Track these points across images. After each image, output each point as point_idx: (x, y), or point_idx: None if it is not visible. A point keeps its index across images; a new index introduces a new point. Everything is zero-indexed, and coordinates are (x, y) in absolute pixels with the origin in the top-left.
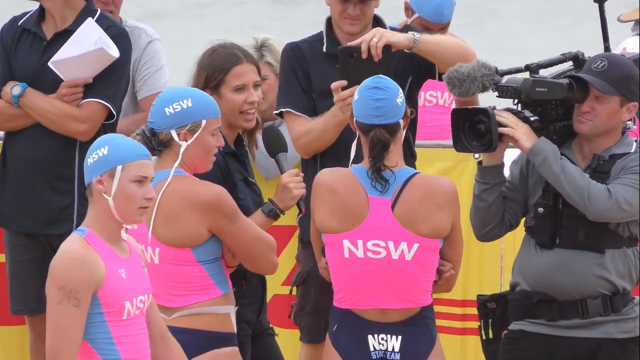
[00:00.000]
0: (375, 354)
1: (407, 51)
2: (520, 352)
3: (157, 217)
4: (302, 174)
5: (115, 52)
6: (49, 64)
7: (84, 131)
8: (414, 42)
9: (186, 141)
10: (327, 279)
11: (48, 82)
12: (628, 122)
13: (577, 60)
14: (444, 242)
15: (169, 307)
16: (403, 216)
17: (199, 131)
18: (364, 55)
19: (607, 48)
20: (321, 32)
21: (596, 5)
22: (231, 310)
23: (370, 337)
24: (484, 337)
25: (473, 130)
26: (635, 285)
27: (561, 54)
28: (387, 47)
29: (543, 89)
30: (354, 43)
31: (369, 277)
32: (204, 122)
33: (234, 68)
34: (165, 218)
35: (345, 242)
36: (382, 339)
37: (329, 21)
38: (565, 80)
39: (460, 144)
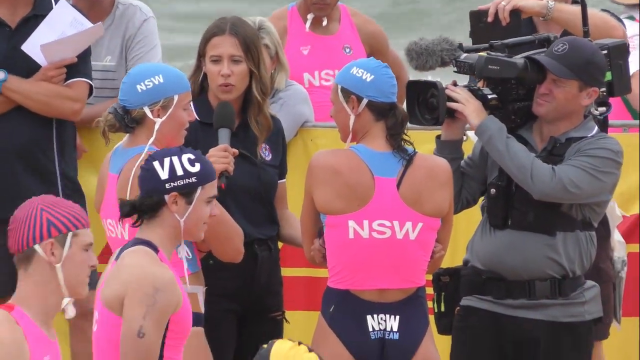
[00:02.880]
0: (375, 334)
1: (542, 19)
2: (468, 329)
3: (130, 194)
4: (231, 150)
5: (98, 28)
6: (24, 48)
7: (78, 110)
8: (547, 10)
9: (159, 117)
10: (315, 261)
11: (19, 68)
12: (600, 109)
13: (549, 42)
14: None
15: None
16: (408, 196)
17: (172, 107)
18: (490, 19)
19: (586, 33)
20: None
21: None
22: (199, 290)
23: (369, 317)
24: (436, 310)
25: (426, 103)
26: (586, 270)
27: (533, 35)
28: (516, 12)
29: (495, 67)
30: (485, 7)
31: (372, 258)
32: (176, 97)
33: (213, 39)
34: (133, 195)
35: (351, 223)
36: (382, 319)
37: None
38: (520, 60)
39: (414, 117)
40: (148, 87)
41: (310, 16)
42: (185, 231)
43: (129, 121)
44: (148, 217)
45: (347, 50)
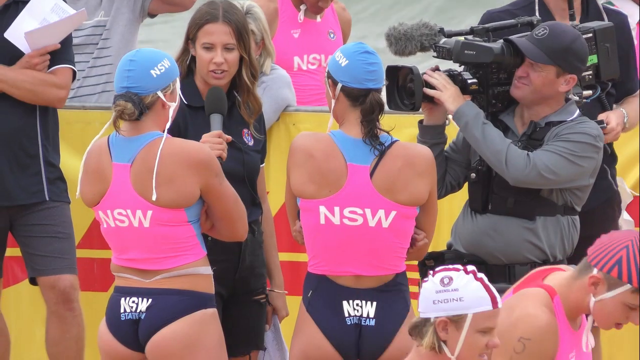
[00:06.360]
0: (350, 320)
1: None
2: None
3: (156, 180)
4: (225, 137)
5: (82, 14)
6: (6, 35)
7: (63, 97)
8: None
9: (170, 101)
10: (299, 242)
11: (2, 55)
12: (585, 92)
13: (532, 26)
14: (420, 210)
15: (150, 270)
16: (382, 184)
17: (178, 89)
18: None
19: (571, 16)
20: None
21: None
22: (211, 271)
23: (345, 302)
24: None
25: (405, 88)
26: (568, 255)
27: (515, 19)
28: None
29: (471, 52)
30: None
31: (344, 244)
32: (177, 80)
33: (206, 25)
34: (161, 180)
35: (322, 209)
36: (357, 304)
37: None
38: (497, 45)
39: (393, 102)
40: (161, 71)
41: (303, 7)
42: None
43: (143, 107)
44: None
45: (332, 35)
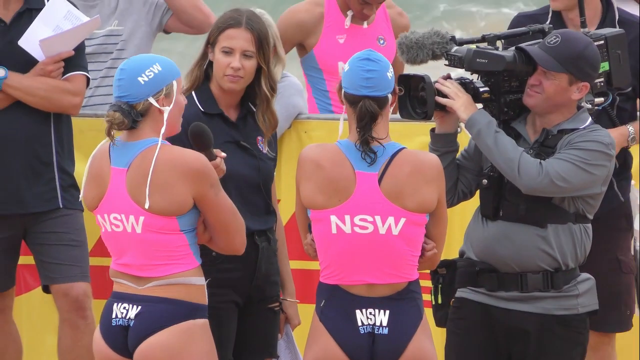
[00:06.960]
0: (364, 329)
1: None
2: (461, 321)
3: (150, 186)
4: (220, 158)
5: (96, 21)
6: (20, 43)
7: (78, 104)
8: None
9: (165, 106)
10: (311, 256)
11: (15, 63)
12: (597, 99)
13: (544, 33)
14: (430, 220)
15: (143, 277)
16: (390, 190)
17: (174, 93)
18: None
19: (583, 23)
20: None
21: None
22: (204, 282)
23: (358, 312)
24: (433, 303)
25: (417, 97)
26: (580, 263)
27: (527, 26)
28: None
29: (483, 60)
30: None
31: (356, 253)
32: (175, 83)
33: (228, 30)
34: (154, 187)
35: (333, 218)
36: (370, 313)
37: None
38: (509, 53)
39: (405, 111)
40: (150, 77)
41: (350, 13)
42: None
43: (135, 115)
44: None
45: (381, 41)
